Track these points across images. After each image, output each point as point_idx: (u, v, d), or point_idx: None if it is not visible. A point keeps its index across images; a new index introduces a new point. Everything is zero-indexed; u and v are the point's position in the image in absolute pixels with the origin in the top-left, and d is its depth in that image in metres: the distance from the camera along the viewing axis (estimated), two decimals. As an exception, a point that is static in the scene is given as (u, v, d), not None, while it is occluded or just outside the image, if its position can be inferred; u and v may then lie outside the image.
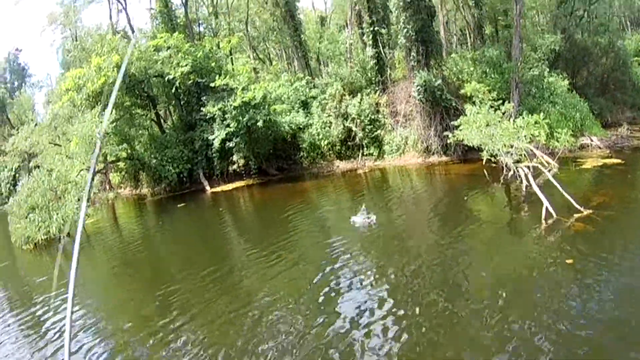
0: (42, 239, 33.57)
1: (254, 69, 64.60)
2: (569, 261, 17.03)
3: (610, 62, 52.04)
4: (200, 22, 70.13)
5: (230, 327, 15.94)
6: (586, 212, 21.89)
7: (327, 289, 17.90)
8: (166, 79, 48.16)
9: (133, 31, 63.35)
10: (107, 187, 51.57)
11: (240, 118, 43.92)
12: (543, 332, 12.74)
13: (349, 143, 47.50)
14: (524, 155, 27.92)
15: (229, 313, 17.12)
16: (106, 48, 48.97)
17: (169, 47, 48.98)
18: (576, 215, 21.69)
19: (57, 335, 17.57)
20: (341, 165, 47.32)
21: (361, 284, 18.11)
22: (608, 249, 17.93)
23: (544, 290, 15.41)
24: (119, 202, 50.85)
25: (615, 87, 52.16)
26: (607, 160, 34.33)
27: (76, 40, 70.38)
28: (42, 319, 19.77)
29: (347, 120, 46.80)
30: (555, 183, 24.05)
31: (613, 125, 46.64)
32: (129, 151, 48.48)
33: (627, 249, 18.05)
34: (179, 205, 42.01)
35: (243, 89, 45.17)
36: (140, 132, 51.94)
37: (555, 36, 48.11)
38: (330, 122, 48.08)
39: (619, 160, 34.06)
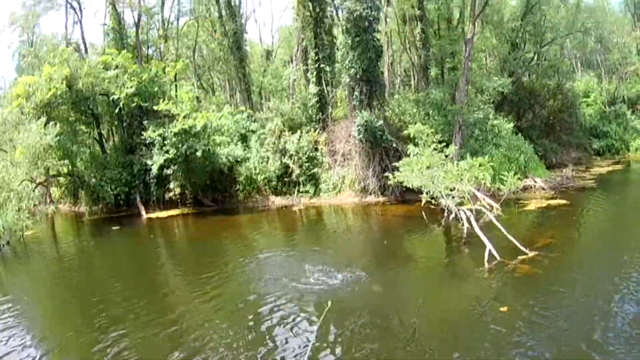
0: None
1: (197, 97, 63.70)
2: (504, 309, 16.22)
3: (558, 104, 52.64)
4: (150, 44, 69.11)
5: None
6: (531, 254, 21.33)
7: (255, 329, 16.96)
8: (111, 98, 47.16)
9: (85, 45, 62.31)
10: (48, 200, 49.90)
11: (180, 146, 42.76)
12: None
13: (286, 179, 46.34)
14: (466, 197, 27.03)
15: (158, 342, 16.09)
16: (58, 59, 47.49)
17: (116, 66, 47.81)
18: (520, 257, 21.04)
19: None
20: (277, 200, 46.14)
21: (288, 324, 16.93)
22: (552, 293, 17.45)
23: (476, 340, 14.64)
24: (58, 217, 49.48)
25: (561, 129, 52.70)
26: (552, 202, 34.21)
27: (31, 47, 68.88)
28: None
29: (284, 157, 45.85)
30: (498, 225, 23.36)
31: (558, 166, 47.47)
32: (69, 167, 46.54)
33: (572, 292, 17.55)
34: (114, 228, 40.42)
35: (185, 116, 44.00)
36: (82, 149, 49.62)
37: (504, 79, 47.50)
38: (268, 157, 47.00)
39: (564, 201, 33.98)
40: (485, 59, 60.57)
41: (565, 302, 16.58)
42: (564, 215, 30.64)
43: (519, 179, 30.58)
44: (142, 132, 45.09)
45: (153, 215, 45.21)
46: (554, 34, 55.68)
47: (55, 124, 41.93)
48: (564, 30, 56.65)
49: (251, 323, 17.18)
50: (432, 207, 29.11)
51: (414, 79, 56.89)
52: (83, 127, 51.30)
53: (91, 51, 62.62)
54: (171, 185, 45.40)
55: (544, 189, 38.65)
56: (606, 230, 27.69)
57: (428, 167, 28.85)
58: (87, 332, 17.08)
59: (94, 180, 45.64)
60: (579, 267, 20.83)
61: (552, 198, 35.40)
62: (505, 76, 49.71)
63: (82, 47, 61.15)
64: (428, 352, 14.12)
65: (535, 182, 39.39)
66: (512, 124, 45.00)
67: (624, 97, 67.85)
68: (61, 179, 48.77)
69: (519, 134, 44.82)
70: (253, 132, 50.84)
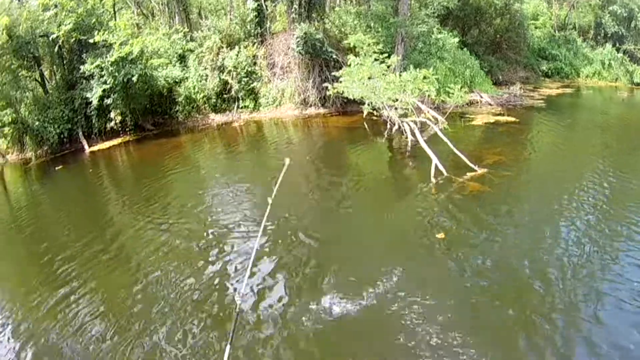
0: None
1: (137, 24, 61.77)
2: (440, 235, 15.26)
3: (505, 22, 51.70)
4: (88, -23, 66.64)
5: (119, 294, 14.26)
6: (481, 170, 20.42)
7: (207, 245, 16.82)
8: (51, 38, 44.78)
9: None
10: (-4, 154, 48.38)
11: (117, 74, 41.20)
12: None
13: (225, 96, 45.27)
14: (410, 109, 25.90)
15: (117, 278, 15.41)
16: (-1, 9, 45.95)
17: (55, 5, 45.29)
18: (469, 174, 20.17)
19: None
20: (217, 118, 44.98)
21: (241, 240, 16.89)
22: (502, 214, 17.03)
23: (414, 267, 13.86)
24: (7, 169, 47.45)
25: (508, 47, 52.10)
26: (500, 118, 33.33)
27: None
28: None
29: (223, 73, 44.79)
30: (444, 139, 22.24)
31: (505, 84, 46.62)
32: (13, 115, 45.40)
33: (522, 214, 17.17)
34: (57, 168, 38.55)
35: (121, 43, 42.24)
36: (25, 94, 48.12)
37: (451, -7, 46.14)
38: (207, 75, 45.84)
39: (512, 118, 33.07)
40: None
41: (515, 223, 16.19)
42: (513, 133, 29.75)
43: (465, 92, 29.44)
44: (82, 67, 43.60)
45: (96, 147, 43.61)
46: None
47: (-2, 76, 40.33)
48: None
49: (201, 246, 16.71)
50: (375, 118, 28.54)
51: (356, -8, 55.30)
52: (24, 72, 48.94)
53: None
54: (112, 115, 43.79)
55: (490, 104, 37.76)
56: (556, 150, 26.85)
57: (369, 78, 27.82)
58: (38, 279, 16.03)
59: (37, 123, 44.58)
60: (529, 186, 20.33)
61: (499, 114, 34.59)
62: (452, -9, 48.33)
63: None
64: (357, 273, 13.50)
65: (482, 97, 38.56)
66: (457, 39, 44.02)
67: (574, 24, 67.59)
68: (6, 129, 47.34)
69: (465, 49, 44.08)
70: (191, 51, 49.60)
